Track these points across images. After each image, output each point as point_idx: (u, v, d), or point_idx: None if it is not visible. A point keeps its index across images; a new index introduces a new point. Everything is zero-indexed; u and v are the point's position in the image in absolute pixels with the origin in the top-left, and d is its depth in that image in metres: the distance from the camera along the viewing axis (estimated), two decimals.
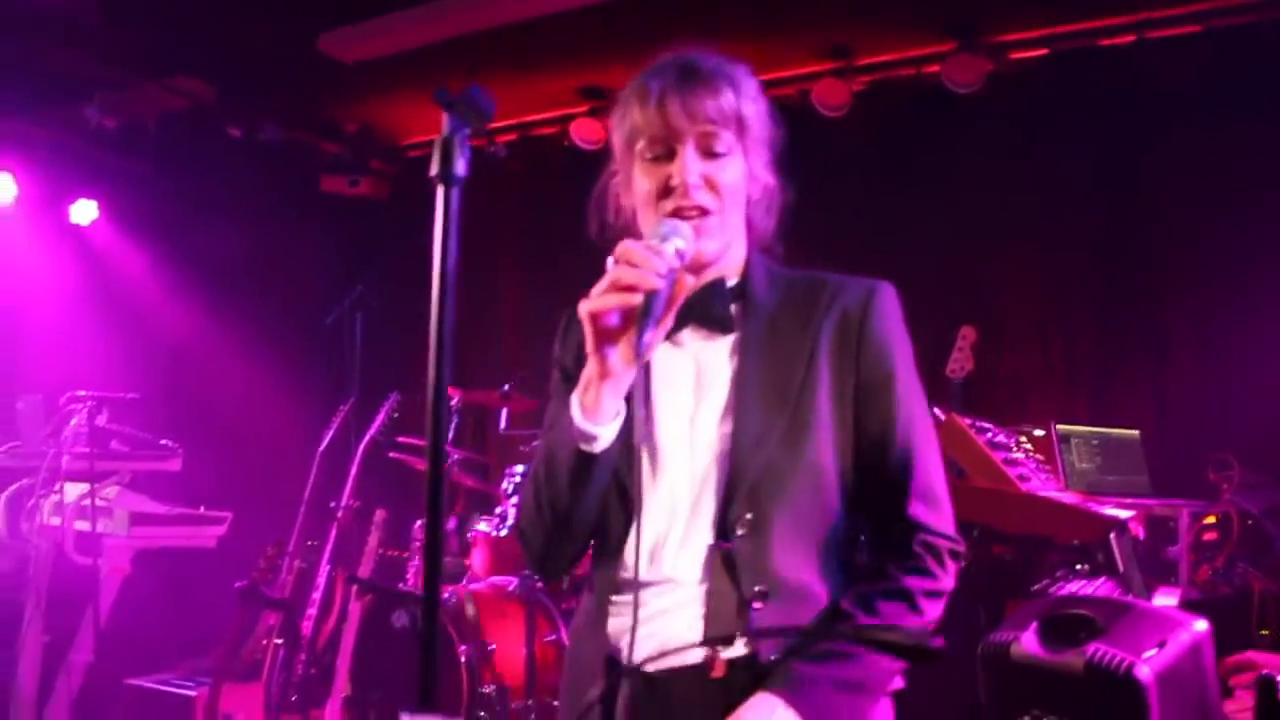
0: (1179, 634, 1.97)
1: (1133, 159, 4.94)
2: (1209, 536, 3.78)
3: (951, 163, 5.21)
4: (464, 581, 4.47)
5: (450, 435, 4.77)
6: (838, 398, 1.55)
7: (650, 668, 1.49)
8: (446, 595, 4.11)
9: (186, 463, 4.47)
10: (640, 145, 1.61)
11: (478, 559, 4.70)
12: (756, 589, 1.47)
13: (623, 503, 1.57)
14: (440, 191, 1.28)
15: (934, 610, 1.54)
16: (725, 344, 1.60)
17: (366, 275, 5.18)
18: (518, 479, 4.19)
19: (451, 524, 4.70)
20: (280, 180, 6.22)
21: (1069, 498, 3.35)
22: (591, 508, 1.55)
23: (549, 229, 6.33)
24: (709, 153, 1.56)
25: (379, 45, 5.41)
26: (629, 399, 1.57)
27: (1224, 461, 3.87)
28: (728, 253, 1.63)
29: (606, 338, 1.45)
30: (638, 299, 1.39)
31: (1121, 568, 2.88)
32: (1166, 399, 4.76)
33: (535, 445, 4.45)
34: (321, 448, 4.61)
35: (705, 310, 1.60)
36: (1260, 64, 4.56)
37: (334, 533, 4.50)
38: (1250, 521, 3.81)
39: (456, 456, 4.57)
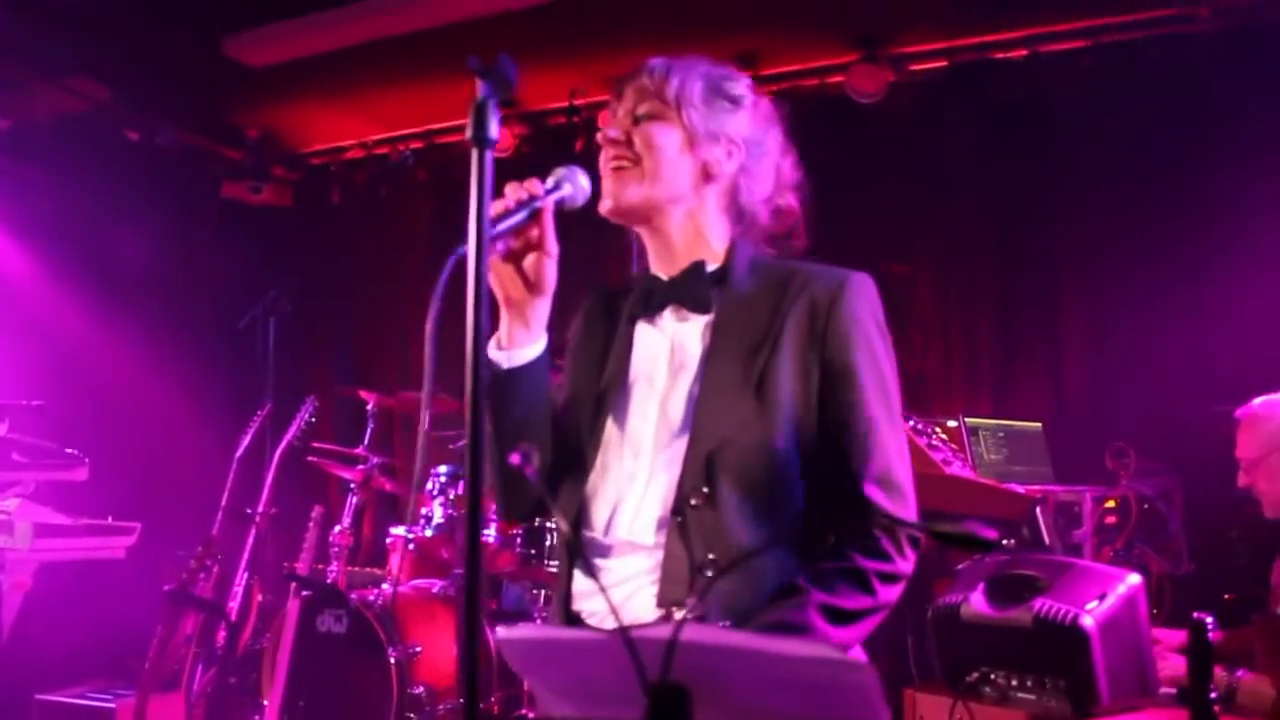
0: (1116, 586, 2.12)
1: (1025, 165, 5.20)
2: (1109, 520, 4.00)
3: (854, 170, 5.40)
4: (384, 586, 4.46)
5: (365, 440, 4.75)
6: (801, 382, 1.61)
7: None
8: (371, 597, 4.09)
9: (94, 472, 4.34)
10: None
11: (396, 563, 4.68)
12: (710, 557, 1.53)
13: (582, 466, 1.67)
14: (475, 154, 1.33)
15: (888, 593, 1.57)
16: (699, 324, 1.69)
17: (278, 280, 5.12)
18: (443, 479, 4.19)
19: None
20: (180, 186, 6.09)
21: (985, 479, 3.53)
22: (527, 437, 1.65)
23: (455, 236, 6.34)
24: (633, 116, 1.70)
25: (286, 50, 5.35)
26: (606, 373, 1.69)
27: (1121, 449, 4.10)
28: (674, 221, 1.71)
29: (498, 271, 1.61)
30: (508, 223, 1.54)
31: (1047, 539, 3.05)
32: (1064, 392, 5.02)
33: (460, 443, 4.49)
34: (239, 453, 4.54)
35: (684, 292, 1.70)
36: (1140, 77, 4.86)
37: (251, 538, 4.43)
38: (1146, 505, 4.05)
39: (375, 461, 4.55)
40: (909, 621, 2.43)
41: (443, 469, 4.31)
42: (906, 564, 1.58)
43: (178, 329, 5.72)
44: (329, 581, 4.25)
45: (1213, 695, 2.10)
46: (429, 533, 4.22)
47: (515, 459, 1.29)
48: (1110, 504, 4.00)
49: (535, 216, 1.58)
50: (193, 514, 4.82)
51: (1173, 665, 2.38)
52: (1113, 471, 4.09)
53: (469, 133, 1.38)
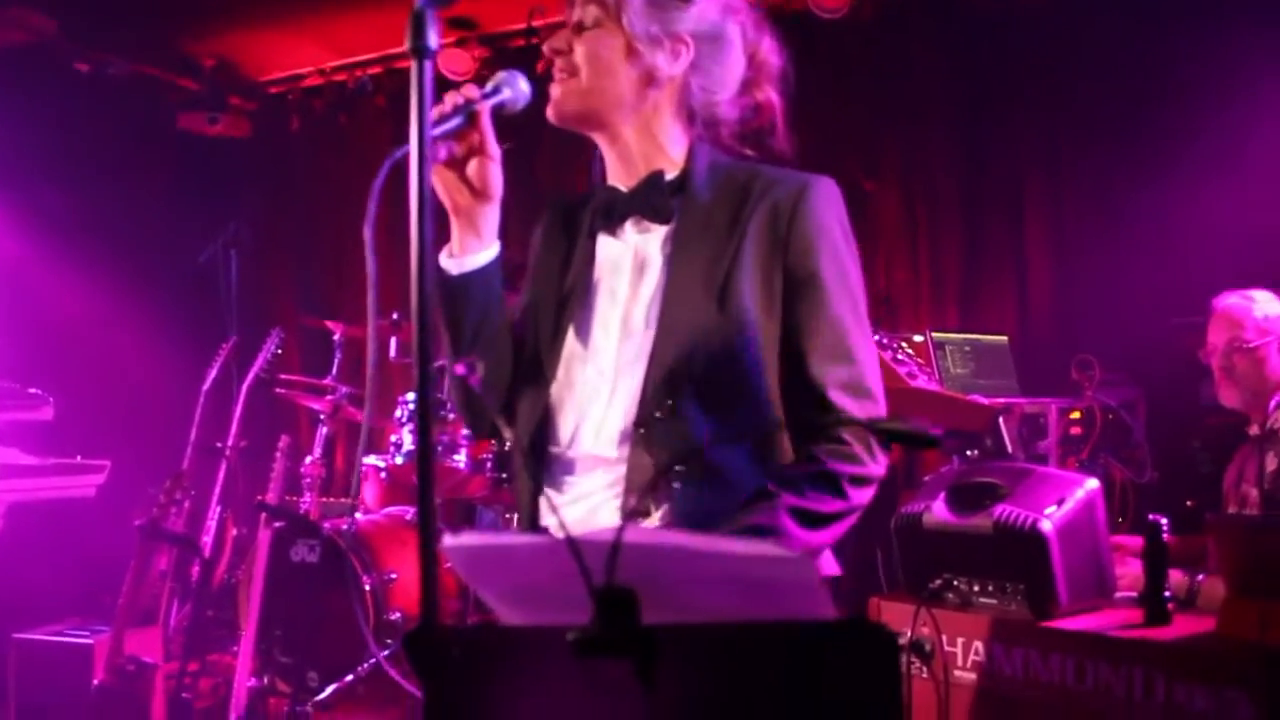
0: (1075, 491, 2.16)
1: (992, 80, 5.17)
2: (1074, 430, 4.06)
3: (819, 86, 5.35)
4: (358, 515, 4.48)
5: (334, 370, 4.74)
6: (764, 289, 1.59)
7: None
8: (345, 526, 4.11)
9: (60, 412, 4.31)
10: None
11: (369, 492, 4.70)
12: (676, 468, 1.53)
13: (543, 379, 1.66)
14: (414, 64, 1.29)
15: (860, 495, 1.56)
16: (660, 235, 1.67)
17: (238, 212, 5.05)
18: (411, 406, 4.19)
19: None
20: (134, 119, 5.97)
21: (949, 391, 3.57)
22: (483, 346, 1.65)
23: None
24: (576, 26, 1.67)
25: None
26: (567, 284, 1.67)
27: (1085, 361, 4.14)
28: (628, 128, 1.68)
29: (442, 177, 1.62)
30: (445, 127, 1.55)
31: (1010, 449, 3.09)
32: (1029, 306, 5.05)
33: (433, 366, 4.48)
34: (205, 387, 4.51)
35: (644, 202, 1.67)
36: None
37: (223, 472, 4.43)
38: (1111, 415, 4.10)
39: (344, 390, 4.54)
40: (876, 534, 2.46)
41: (410, 396, 4.30)
42: (878, 467, 1.57)
43: (137, 264, 5.64)
44: (300, 512, 4.26)
45: (1167, 595, 2.15)
46: (400, 460, 4.23)
47: (460, 369, 1.28)
48: (1075, 415, 4.06)
49: (473, 120, 1.57)
50: (162, 450, 4.81)
51: (1134, 570, 2.43)
52: (1077, 383, 4.14)
53: (408, 42, 1.35)
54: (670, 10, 1.65)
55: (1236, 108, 4.41)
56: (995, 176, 5.18)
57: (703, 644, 0.88)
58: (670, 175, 1.68)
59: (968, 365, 4.27)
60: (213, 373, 4.50)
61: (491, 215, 1.65)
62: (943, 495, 2.25)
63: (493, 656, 0.94)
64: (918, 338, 4.13)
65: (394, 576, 4.02)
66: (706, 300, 1.57)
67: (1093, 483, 2.19)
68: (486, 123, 1.60)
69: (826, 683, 0.87)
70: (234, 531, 4.60)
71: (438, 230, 1.44)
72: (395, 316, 4.45)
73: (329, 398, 4.53)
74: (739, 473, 1.55)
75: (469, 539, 1.06)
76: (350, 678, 3.84)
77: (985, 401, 3.28)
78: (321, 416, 4.57)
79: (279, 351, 4.51)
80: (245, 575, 4.19)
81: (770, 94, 1.78)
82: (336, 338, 4.78)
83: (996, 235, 5.16)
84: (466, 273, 1.64)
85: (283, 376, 4.62)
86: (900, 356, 3.71)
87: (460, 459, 4.13)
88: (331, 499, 5.24)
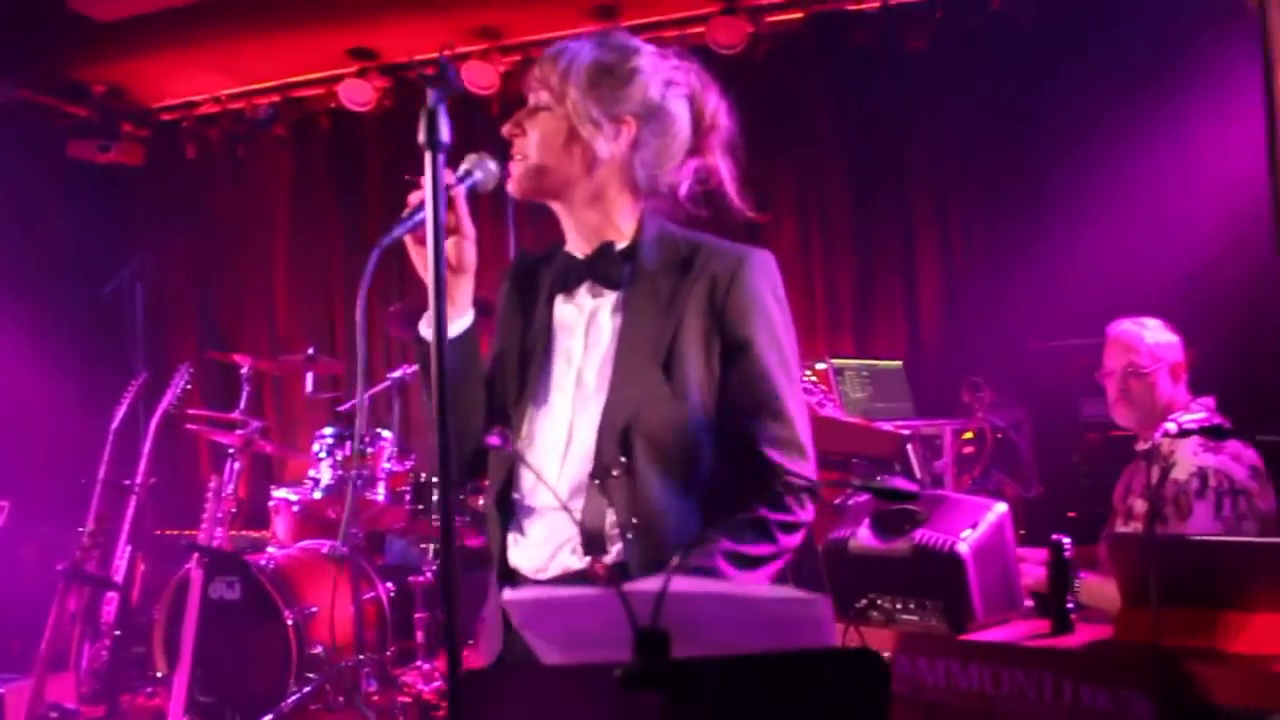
0: (986, 515, 2.39)
1: (881, 114, 5.48)
2: (967, 450, 4.35)
3: None
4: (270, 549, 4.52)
5: (241, 404, 4.76)
6: (704, 354, 1.75)
7: (541, 577, 1.73)
8: (263, 562, 4.15)
9: None
10: None
11: (281, 526, 4.74)
12: (633, 520, 1.69)
13: (508, 435, 1.80)
14: (429, 156, 1.43)
15: (789, 540, 1.73)
16: (611, 300, 1.82)
17: (136, 242, 5.03)
18: (330, 441, 4.25)
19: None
20: (22, 146, 5.86)
21: (859, 420, 3.80)
22: (459, 404, 1.77)
23: (317, 190, 6.31)
24: (530, 109, 1.81)
25: (134, 3, 5.22)
26: (528, 346, 1.82)
27: (976, 384, 4.43)
28: (579, 202, 1.82)
29: (420, 255, 1.71)
30: (418, 217, 1.64)
31: (918, 474, 3.33)
32: (920, 331, 5.36)
33: (348, 406, 4.54)
34: (114, 425, 4.48)
35: (596, 270, 1.82)
36: (988, 29, 5.16)
37: (132, 510, 4.41)
38: (1000, 435, 4.39)
39: (255, 425, 4.57)
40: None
41: (328, 430, 4.36)
42: (806, 514, 1.76)
43: (32, 297, 5.54)
44: (231, 550, 4.28)
45: (1071, 606, 2.40)
46: (318, 494, 4.28)
47: (494, 440, 1.42)
48: (968, 435, 4.34)
49: (450, 204, 1.68)
50: (62, 489, 4.75)
51: (1031, 574, 2.67)
52: (968, 405, 4.43)
53: (421, 136, 1.48)
54: (610, 92, 1.78)
55: (1111, 147, 4.78)
56: (885, 207, 5.48)
57: (732, 674, 1.04)
58: (620, 245, 1.83)
59: (866, 390, 4.53)
60: (122, 410, 4.47)
61: (466, 287, 1.76)
62: (866, 522, 2.46)
63: (543, 691, 1.09)
64: (820, 365, 4.36)
65: (315, 610, 4.08)
66: (653, 367, 1.73)
67: (1001, 507, 2.42)
68: (461, 205, 1.72)
69: (837, 700, 1.04)
70: (141, 569, 4.58)
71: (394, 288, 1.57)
72: (310, 352, 4.50)
73: (239, 432, 4.55)
74: (683, 521, 1.71)
75: (528, 593, 1.20)
76: (271, 715, 3.88)
77: (892, 428, 3.51)
78: (231, 450, 4.58)
79: (188, 386, 4.52)
80: (160, 614, 4.19)
81: (718, 159, 1.94)
82: (244, 371, 4.79)
83: (888, 263, 5.46)
84: (449, 338, 1.76)
85: (191, 411, 4.63)
86: (806, 385, 3.94)
87: (379, 492, 4.21)
88: (236, 532, 5.24)
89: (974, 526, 2.35)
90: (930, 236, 5.39)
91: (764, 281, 1.80)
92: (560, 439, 1.77)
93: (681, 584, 1.02)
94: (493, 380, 1.87)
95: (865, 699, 1.08)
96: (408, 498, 4.25)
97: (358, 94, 5.93)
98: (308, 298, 6.23)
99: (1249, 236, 4.20)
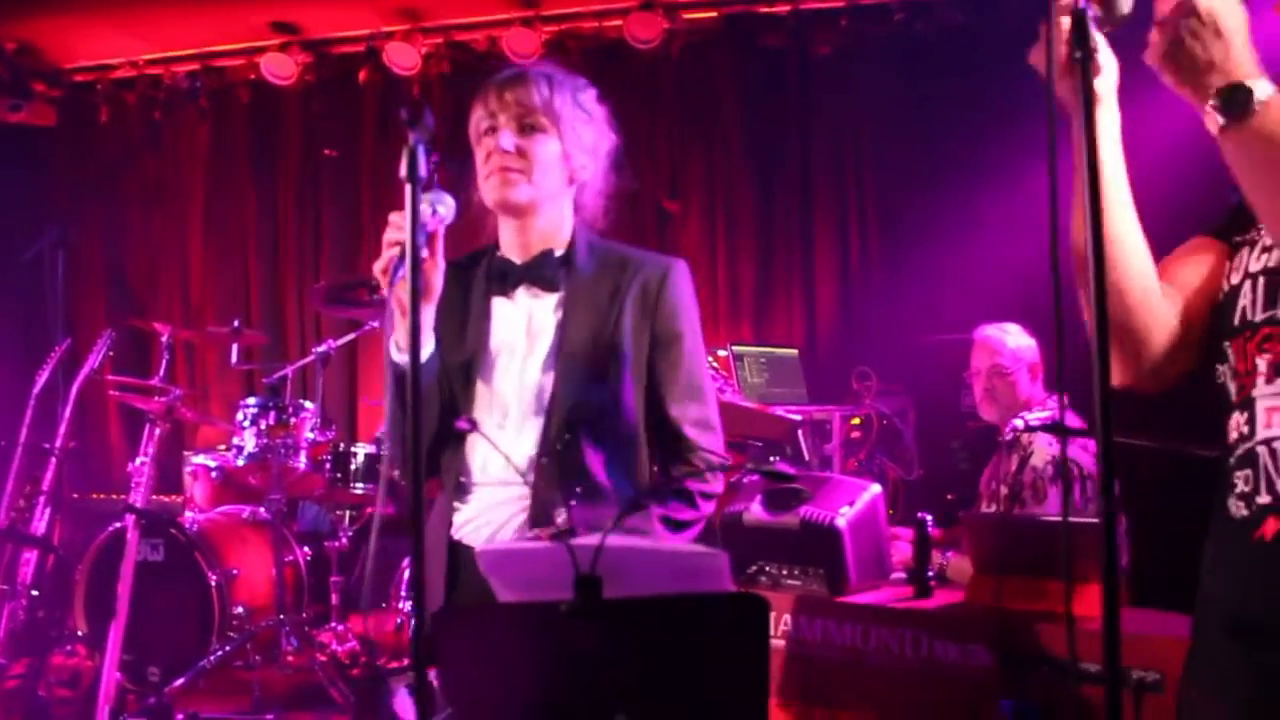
0: (863, 494, 2.79)
1: (788, 112, 5.88)
2: (855, 435, 4.78)
3: (630, 110, 5.91)
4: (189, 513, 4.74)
5: (161, 371, 4.95)
6: (637, 348, 2.11)
7: (487, 546, 2.07)
8: (187, 523, 4.39)
9: None
10: (474, 125, 2.14)
11: (199, 491, 4.97)
12: (577, 490, 2.02)
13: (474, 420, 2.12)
14: (409, 189, 1.67)
15: (707, 506, 2.11)
16: (551, 301, 2.14)
17: (52, 207, 5.16)
18: (253, 410, 4.49)
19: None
20: None
21: (755, 405, 4.19)
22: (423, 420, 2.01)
23: (234, 160, 6.47)
24: (520, 124, 2.09)
25: None
26: (470, 343, 2.12)
27: (864, 373, 4.86)
28: (541, 215, 2.13)
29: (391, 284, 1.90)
30: (396, 250, 1.87)
31: (807, 456, 3.73)
32: (816, 321, 5.79)
33: (276, 376, 4.78)
34: (36, 390, 4.65)
35: (537, 273, 2.15)
36: (891, 39, 5.59)
37: (51, 473, 4.60)
38: (885, 421, 4.83)
39: (178, 392, 4.77)
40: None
41: (251, 400, 4.59)
42: (719, 485, 2.15)
43: None
44: (166, 514, 4.49)
45: (930, 574, 2.81)
46: (241, 461, 4.51)
47: (463, 425, 1.75)
48: (855, 421, 4.78)
49: (429, 240, 1.93)
50: None
51: (902, 552, 3.09)
52: (857, 392, 4.86)
53: (403, 171, 1.75)
54: (583, 124, 2.13)
55: (1002, 156, 5.21)
56: (788, 202, 5.89)
57: (649, 610, 1.39)
58: (558, 253, 2.16)
59: (763, 375, 4.92)
60: (43, 376, 4.63)
61: (430, 314, 2.03)
62: (759, 498, 2.84)
63: (500, 623, 1.43)
64: (722, 352, 4.75)
65: (237, 572, 4.34)
66: (594, 356, 2.08)
67: (876, 488, 2.82)
68: (439, 240, 1.97)
69: (729, 631, 1.40)
70: (61, 531, 4.77)
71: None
72: (236, 324, 4.73)
73: (160, 399, 4.75)
74: (618, 490, 2.07)
75: (499, 546, 1.54)
76: (192, 672, 4.13)
77: (785, 414, 3.91)
78: (152, 417, 4.78)
79: (110, 353, 4.70)
80: (83, 575, 4.41)
81: (618, 183, 2.25)
82: (164, 339, 4.98)
83: (789, 256, 5.88)
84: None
85: (111, 378, 4.81)
86: (709, 372, 4.31)
87: (301, 461, 4.47)
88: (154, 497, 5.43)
89: (851, 504, 2.75)
90: (829, 233, 5.81)
91: (686, 286, 2.18)
92: (510, 424, 2.08)
93: (614, 540, 1.36)
94: (441, 380, 2.16)
95: (751, 630, 1.44)
96: (328, 466, 4.52)
97: (280, 67, 6.11)
98: (222, 268, 6.41)
99: None
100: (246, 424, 4.48)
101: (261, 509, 4.55)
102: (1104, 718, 1.18)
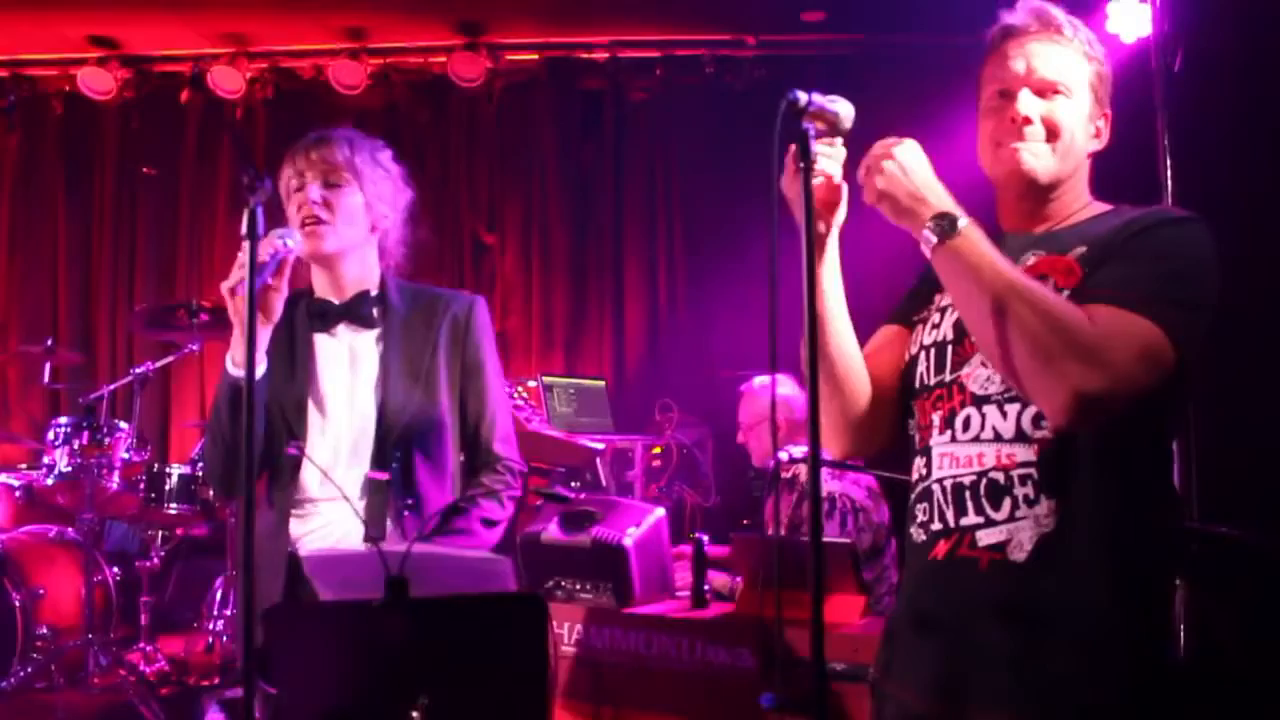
0: (647, 517, 3.20)
1: (603, 152, 6.35)
2: (656, 463, 5.23)
3: (451, 144, 6.31)
4: None
5: None
6: (450, 374, 2.49)
7: (311, 552, 2.39)
8: None
9: None
10: (284, 184, 2.48)
11: (2, 510, 5.04)
12: (407, 501, 2.38)
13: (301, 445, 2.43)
14: (247, 246, 1.96)
15: (511, 508, 2.51)
16: (371, 335, 2.49)
17: None
18: (66, 429, 4.61)
19: None
20: None
21: (561, 434, 4.58)
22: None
23: (45, 173, 6.49)
24: (325, 181, 2.44)
25: None
26: (298, 375, 2.44)
27: (666, 405, 5.33)
28: (349, 261, 2.47)
29: (236, 304, 2.18)
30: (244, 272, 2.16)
31: (604, 482, 4.14)
32: (625, 354, 6.23)
33: (93, 396, 4.91)
34: None
35: (355, 312, 2.49)
36: (701, 87, 6.11)
37: None
38: (685, 451, 5.29)
39: None
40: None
41: (64, 420, 4.71)
42: (518, 488, 2.56)
43: None
44: None
45: (707, 588, 3.25)
46: (50, 480, 4.62)
47: (292, 451, 2.07)
48: (657, 450, 5.22)
49: (280, 266, 2.24)
50: None
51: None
52: (659, 423, 5.31)
53: (243, 229, 2.04)
54: (383, 180, 2.50)
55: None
56: (601, 239, 6.34)
57: (446, 607, 1.75)
58: (373, 293, 2.51)
59: (571, 405, 5.31)
60: None
61: (266, 334, 2.32)
62: (556, 519, 3.23)
63: (322, 618, 1.77)
64: (531, 382, 5.12)
65: (42, 592, 4.45)
66: (413, 384, 2.44)
67: (660, 511, 3.24)
68: (287, 269, 2.27)
69: (513, 626, 1.77)
70: None
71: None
72: (49, 343, 4.84)
73: None
74: (441, 497, 2.44)
75: (321, 551, 1.87)
76: None
77: (586, 443, 4.31)
78: None
79: None
80: None
81: (412, 232, 2.63)
82: None
83: (600, 290, 6.32)
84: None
85: None
86: (518, 400, 4.69)
87: (115, 480, 4.62)
88: None
89: (637, 525, 3.16)
90: (639, 269, 6.28)
91: (487, 318, 2.59)
92: (342, 446, 2.40)
93: (419, 547, 1.72)
94: (269, 402, 2.46)
95: (531, 624, 1.81)
96: (141, 485, 4.68)
97: (97, 82, 6.20)
98: (29, 283, 6.41)
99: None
100: (59, 443, 4.60)
101: (69, 529, 4.67)
102: (831, 707, 1.58)
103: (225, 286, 2.21)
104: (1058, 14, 1.81)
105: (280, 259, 2.24)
